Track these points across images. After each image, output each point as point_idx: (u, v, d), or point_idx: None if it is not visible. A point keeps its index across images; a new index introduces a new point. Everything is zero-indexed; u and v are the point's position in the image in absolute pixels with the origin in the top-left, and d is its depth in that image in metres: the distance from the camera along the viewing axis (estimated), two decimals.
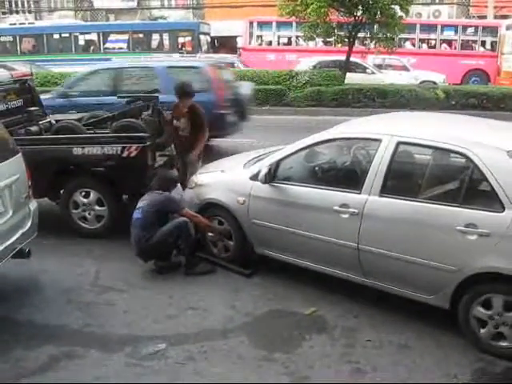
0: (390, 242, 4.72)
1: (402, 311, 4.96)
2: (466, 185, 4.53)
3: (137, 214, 5.88)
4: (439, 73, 21.37)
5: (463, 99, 16.39)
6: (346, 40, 17.80)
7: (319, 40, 22.26)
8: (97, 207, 6.82)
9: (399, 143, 4.81)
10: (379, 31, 17.43)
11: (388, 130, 5.04)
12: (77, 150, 6.60)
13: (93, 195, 6.79)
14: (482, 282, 4.36)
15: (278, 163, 5.48)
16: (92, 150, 6.56)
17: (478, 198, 4.47)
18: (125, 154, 6.45)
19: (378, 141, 4.92)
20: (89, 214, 6.86)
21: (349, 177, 5.36)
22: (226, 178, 6.07)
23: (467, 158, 4.48)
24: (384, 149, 4.83)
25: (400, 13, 16.83)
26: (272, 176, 5.43)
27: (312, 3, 15.29)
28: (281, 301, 5.29)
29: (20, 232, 5.26)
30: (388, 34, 17.07)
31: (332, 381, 4.14)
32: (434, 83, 19.93)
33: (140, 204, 5.94)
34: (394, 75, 20.41)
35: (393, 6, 16.19)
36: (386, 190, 4.78)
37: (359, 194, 4.89)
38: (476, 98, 16.38)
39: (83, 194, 6.83)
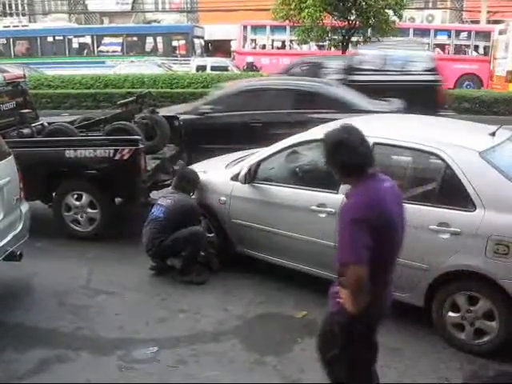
0: None
1: (394, 314, 4.94)
2: (439, 185, 4.66)
3: (158, 212, 5.80)
4: None
5: (456, 103, 16.41)
6: (340, 44, 17.85)
7: (313, 44, 22.31)
8: (89, 210, 6.80)
9: (374, 144, 4.86)
10: (372, 35, 17.49)
11: (364, 131, 5.08)
12: (69, 153, 6.58)
13: (85, 198, 6.77)
14: (449, 282, 4.50)
15: (258, 164, 5.58)
16: (84, 152, 6.54)
17: (451, 198, 4.56)
18: (117, 157, 6.44)
19: None
20: (81, 216, 6.84)
21: (326, 177, 5.37)
22: (208, 178, 6.10)
23: (440, 158, 4.59)
24: None
25: (394, 17, 16.89)
26: (252, 176, 5.55)
27: (306, 7, 15.34)
28: (273, 304, 5.28)
29: (11, 234, 5.23)
30: (380, 38, 17.11)
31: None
32: None
33: (163, 202, 5.88)
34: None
35: (386, 11, 16.24)
36: None
37: (336, 193, 4.96)
38: (469, 103, 16.43)
39: (75, 196, 6.81)
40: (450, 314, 4.53)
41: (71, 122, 7.76)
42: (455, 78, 23.90)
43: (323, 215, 5.02)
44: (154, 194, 7.31)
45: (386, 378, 4.17)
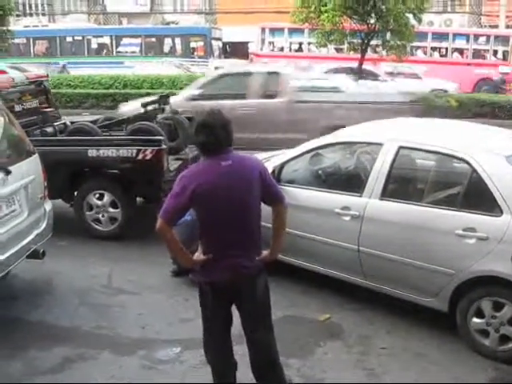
0: (390, 244, 4.79)
1: (418, 318, 4.95)
2: (465, 189, 4.63)
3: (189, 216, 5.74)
4: (450, 81, 21.31)
5: (476, 108, 16.30)
6: (359, 47, 17.75)
7: (331, 47, 22.21)
8: (111, 209, 6.82)
9: (400, 148, 4.89)
10: (391, 39, 17.33)
11: (389, 135, 5.17)
12: (92, 152, 6.61)
13: (107, 197, 6.80)
14: (475, 288, 4.45)
15: (282, 166, 5.55)
16: (107, 152, 6.56)
17: (477, 203, 4.53)
18: (140, 157, 6.46)
19: (380, 145, 5.02)
20: (102, 216, 6.86)
21: (350, 180, 5.46)
22: None
23: (467, 162, 4.57)
24: (385, 153, 4.93)
25: (413, 21, 16.74)
26: (276, 179, 5.47)
27: (326, 11, 15.26)
28: (296, 307, 5.26)
29: (35, 232, 5.26)
30: (400, 42, 16.96)
31: None
32: (445, 91, 19.85)
33: None
34: (406, 83, 20.32)
35: (406, 15, 16.10)
36: (387, 193, 4.89)
37: (360, 197, 4.97)
38: (488, 107, 16.30)
39: (97, 196, 6.83)
40: (475, 319, 4.48)
41: (93, 122, 7.78)
42: (473, 82, 23.76)
43: (347, 218, 4.99)
44: None
45: (407, 380, 4.19)
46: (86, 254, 6.49)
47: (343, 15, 15.84)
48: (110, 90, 17.79)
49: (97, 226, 6.91)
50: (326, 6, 15.60)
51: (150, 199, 7.02)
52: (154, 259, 6.27)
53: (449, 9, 32.20)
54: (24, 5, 38.86)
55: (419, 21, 16.78)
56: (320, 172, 5.58)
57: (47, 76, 8.23)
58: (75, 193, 7.05)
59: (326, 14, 15.32)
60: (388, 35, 17.56)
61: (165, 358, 4.49)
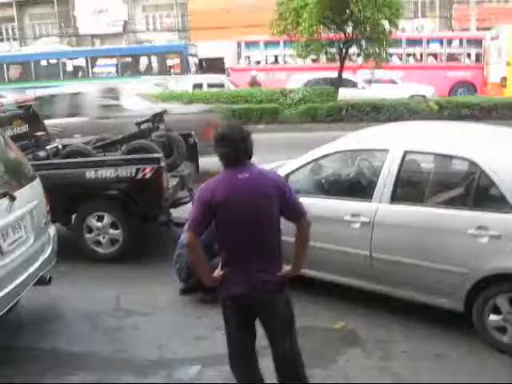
0: (402, 248, 4.81)
1: (431, 320, 4.96)
2: (475, 189, 4.67)
3: None
4: (427, 85, 21.60)
5: (456, 110, 16.52)
6: (336, 57, 17.94)
7: (308, 58, 22.37)
8: (111, 231, 6.74)
9: (406, 152, 4.92)
10: (369, 46, 17.55)
11: (394, 141, 5.21)
12: (90, 174, 6.53)
13: (107, 219, 6.71)
14: (490, 285, 4.48)
15: (287, 177, 5.48)
16: (105, 172, 6.49)
17: (487, 202, 4.61)
18: (139, 176, 6.39)
19: (386, 151, 5.06)
20: (103, 237, 6.77)
21: (358, 187, 5.47)
22: None
23: (474, 163, 4.63)
24: (392, 158, 4.96)
25: (389, 28, 16.98)
26: None
27: (303, 22, 15.41)
28: (309, 316, 5.21)
29: (41, 258, 5.16)
30: (377, 49, 17.19)
31: None
32: (424, 97, 20.10)
33: None
34: (385, 89, 20.54)
35: (383, 21, 16.33)
36: (396, 197, 4.91)
37: (370, 202, 4.99)
38: (468, 109, 16.53)
39: (96, 217, 6.75)
40: (492, 317, 4.51)
41: (86, 143, 7.71)
42: (449, 85, 24.09)
43: (357, 225, 4.99)
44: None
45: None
46: (88, 278, 6.38)
47: (320, 25, 16.00)
48: None
49: (97, 249, 6.82)
50: (302, 16, 15.75)
51: (150, 218, 6.95)
52: (159, 278, 6.22)
53: (419, 14, 32.63)
54: None
55: (395, 27, 17.02)
56: (327, 180, 5.60)
57: (36, 99, 8.13)
58: (72, 215, 6.97)
59: (303, 25, 15.46)
60: (364, 43, 17.78)
61: (186, 377, 4.43)
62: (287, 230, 3.58)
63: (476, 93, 23.26)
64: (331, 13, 15.72)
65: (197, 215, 3.45)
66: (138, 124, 7.60)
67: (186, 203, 7.64)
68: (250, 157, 3.50)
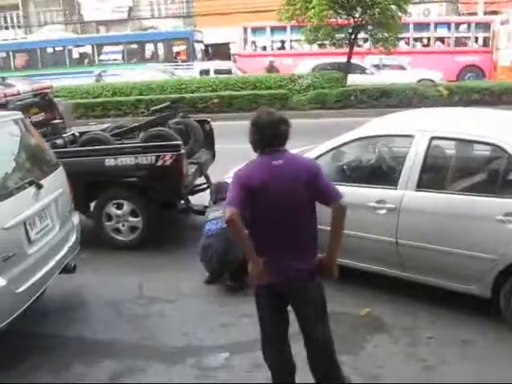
0: (428, 234, 4.79)
1: (456, 306, 4.95)
2: (502, 175, 4.66)
3: (221, 224, 5.43)
4: (435, 70, 21.49)
5: (466, 95, 16.42)
6: (345, 42, 17.84)
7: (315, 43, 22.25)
8: (131, 218, 6.74)
9: (432, 138, 4.89)
10: (377, 32, 17.44)
11: (419, 126, 5.16)
12: (109, 161, 6.52)
13: (126, 206, 6.71)
14: None
15: None
16: (125, 160, 6.48)
17: None
18: (159, 163, 6.38)
19: (411, 137, 5.02)
20: (122, 225, 6.77)
21: (384, 173, 5.46)
22: None
23: (501, 148, 4.60)
24: (417, 144, 4.93)
25: (399, 13, 16.86)
26: None
27: (313, 7, 15.29)
28: (334, 303, 5.09)
29: (66, 246, 5.17)
30: (387, 34, 17.08)
31: (404, 379, 4.11)
32: (432, 81, 20.01)
33: (217, 214, 5.59)
34: (393, 75, 20.44)
35: (392, 6, 16.20)
36: (422, 184, 4.88)
37: (395, 189, 4.96)
38: (479, 94, 16.42)
39: (116, 205, 6.75)
40: None
41: (103, 130, 7.69)
42: (457, 70, 23.97)
43: (383, 211, 4.98)
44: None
45: (463, 369, 4.20)
46: (110, 265, 6.40)
47: (330, 10, 15.89)
48: (100, 99, 17.62)
49: (117, 236, 6.83)
50: (311, 2, 15.63)
51: (170, 205, 6.95)
52: (181, 265, 6.24)
53: None
54: None
55: (405, 12, 16.90)
56: (351, 167, 5.57)
57: (51, 87, 8.10)
58: (91, 203, 6.97)
59: (312, 10, 15.35)
60: (369, 27, 17.65)
61: (215, 364, 4.44)
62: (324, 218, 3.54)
63: (484, 77, 23.14)
64: None
65: (237, 193, 3.36)
66: (156, 111, 7.57)
67: (203, 190, 7.65)
68: (283, 143, 3.47)
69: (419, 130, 5.01)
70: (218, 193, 5.97)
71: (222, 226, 5.39)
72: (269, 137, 3.42)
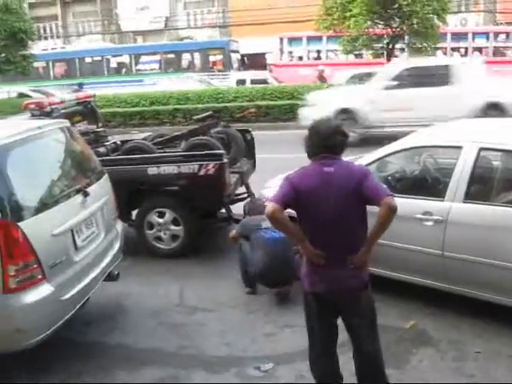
0: (476, 247, 4.70)
1: (499, 320, 4.85)
2: None
3: (276, 234, 5.39)
4: None
5: None
6: (383, 52, 17.75)
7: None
8: (172, 227, 6.77)
9: (481, 149, 4.80)
10: (416, 41, 17.30)
11: (468, 137, 5.09)
12: (152, 170, 6.57)
13: (168, 215, 6.75)
14: None
15: None
16: (168, 168, 6.52)
17: None
18: (202, 172, 6.41)
19: (459, 148, 4.94)
20: (164, 234, 6.81)
21: (431, 185, 5.38)
22: None
23: None
24: (466, 155, 4.85)
25: (437, 22, 16.72)
26: None
27: (352, 16, 15.27)
28: (379, 316, 5.12)
29: (110, 254, 5.21)
30: (425, 44, 16.93)
31: None
32: None
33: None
34: None
35: (431, 16, 16.08)
36: (470, 196, 4.80)
37: (442, 201, 4.89)
38: None
39: (158, 213, 6.79)
40: None
41: (144, 139, 7.77)
42: None
43: (430, 223, 4.90)
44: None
45: None
46: (151, 273, 6.43)
47: (368, 20, 15.85)
48: (137, 108, 17.83)
49: (159, 245, 6.86)
50: (350, 12, 15.61)
51: (213, 215, 6.97)
52: (222, 274, 6.25)
53: (463, 8, 32.01)
54: (38, 28, 39.17)
55: (443, 21, 16.75)
56: (397, 178, 5.51)
57: (94, 96, 8.24)
58: (132, 211, 7.03)
59: (352, 20, 15.32)
60: (406, 38, 17.53)
61: (258, 374, 4.41)
62: None
63: None
64: (379, 7, 15.53)
65: (283, 192, 3.41)
66: (198, 120, 7.61)
67: (243, 199, 7.65)
68: (337, 152, 3.47)
69: (468, 140, 4.94)
70: (252, 210, 6.01)
71: (280, 236, 5.30)
72: (322, 145, 3.44)
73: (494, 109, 12.06)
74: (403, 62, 14.74)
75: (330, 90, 15.09)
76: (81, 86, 22.58)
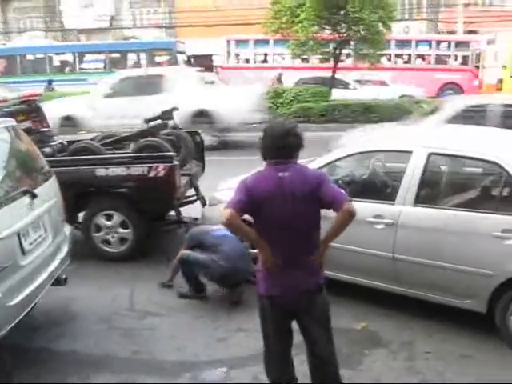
0: (425, 250, 4.80)
1: (452, 320, 4.97)
2: (500, 192, 4.71)
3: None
4: (417, 87, 21.79)
5: None
6: (330, 57, 17.99)
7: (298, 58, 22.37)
8: (120, 230, 6.63)
9: (431, 154, 4.90)
10: (362, 47, 17.60)
11: (418, 142, 5.19)
12: (100, 171, 6.42)
13: (116, 217, 6.60)
14: None
15: None
16: (117, 170, 6.39)
17: None
18: (152, 174, 6.30)
19: (409, 152, 5.02)
20: (112, 237, 6.66)
21: (381, 188, 5.46)
22: None
23: (499, 166, 4.63)
24: (416, 160, 4.93)
25: (382, 29, 17.05)
26: None
27: (300, 21, 15.39)
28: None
29: (58, 258, 5.05)
30: (372, 50, 17.24)
31: None
32: (412, 97, 20.25)
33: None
34: (375, 90, 20.64)
35: (377, 23, 16.38)
36: (420, 199, 4.89)
37: (393, 204, 4.97)
38: None
39: (105, 216, 6.64)
40: None
41: (91, 140, 7.59)
42: (437, 87, 24.29)
43: (380, 226, 4.97)
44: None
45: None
46: (99, 277, 6.29)
47: (316, 25, 16.01)
48: None
49: (106, 248, 6.71)
50: (298, 16, 15.72)
51: (161, 217, 6.87)
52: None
53: (406, 16, 32.80)
54: None
55: (389, 28, 17.08)
56: (348, 181, 5.56)
57: (40, 95, 7.98)
58: (79, 214, 6.85)
59: (300, 25, 15.44)
60: (352, 44, 17.81)
61: (212, 379, 4.37)
62: None
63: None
64: (327, 13, 15.72)
65: (239, 198, 3.37)
66: (147, 121, 7.50)
67: (192, 202, 7.59)
68: (291, 155, 3.46)
69: (418, 145, 5.03)
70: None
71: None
72: (275, 146, 3.42)
73: (201, 116, 13.50)
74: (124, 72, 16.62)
75: (58, 99, 15.78)
76: (50, 82, 22.03)
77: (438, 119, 9.59)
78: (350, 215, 3.39)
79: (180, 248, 5.86)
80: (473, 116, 9.40)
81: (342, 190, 3.54)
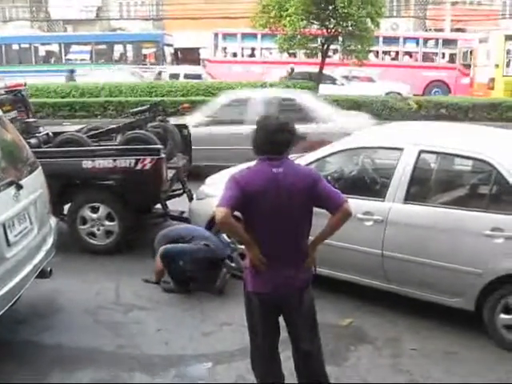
0: (415, 247, 4.81)
1: (438, 317, 4.99)
2: (490, 190, 4.71)
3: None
4: (403, 84, 21.85)
5: (434, 109, 16.69)
6: (318, 52, 17.95)
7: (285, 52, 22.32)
8: (106, 222, 6.58)
9: (421, 151, 4.90)
10: (350, 43, 17.58)
11: (409, 139, 5.18)
12: (86, 163, 6.36)
13: (102, 210, 6.55)
14: (503, 285, 4.51)
15: None
16: (103, 162, 6.33)
17: (503, 203, 4.65)
18: (139, 167, 6.25)
19: (400, 150, 5.02)
20: (98, 229, 6.60)
21: (372, 185, 5.47)
22: None
23: (489, 164, 4.64)
24: (407, 157, 4.94)
25: (371, 25, 17.05)
26: None
27: (288, 15, 15.34)
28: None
29: (44, 250, 4.99)
30: (360, 46, 17.24)
31: None
32: (399, 94, 20.31)
33: None
34: (362, 86, 20.68)
35: (365, 19, 16.37)
36: (410, 197, 4.90)
37: (383, 201, 4.97)
38: (447, 109, 16.69)
39: (91, 208, 6.58)
40: (502, 315, 4.55)
41: (78, 131, 7.51)
42: (424, 84, 24.40)
43: (370, 223, 4.97)
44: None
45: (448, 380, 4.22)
46: (84, 270, 6.22)
47: (304, 20, 15.96)
48: (67, 99, 17.27)
49: (91, 240, 6.65)
50: (286, 10, 15.67)
51: (148, 210, 6.82)
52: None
53: (394, 13, 32.91)
54: None
55: (377, 25, 17.08)
56: (338, 178, 5.55)
57: (25, 85, 7.89)
58: (64, 206, 6.78)
59: (287, 19, 15.38)
60: (340, 39, 17.80)
61: (198, 374, 4.35)
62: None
63: (450, 93, 23.57)
64: (316, 8, 15.69)
65: (231, 194, 3.29)
66: (134, 114, 7.43)
67: (179, 196, 7.55)
68: (283, 151, 3.42)
69: (408, 143, 5.03)
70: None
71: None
72: (268, 141, 3.38)
73: None
74: None
75: None
76: (72, 72, 21.70)
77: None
78: (348, 215, 3.43)
79: (151, 254, 5.92)
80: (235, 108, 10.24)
81: (338, 190, 3.52)
